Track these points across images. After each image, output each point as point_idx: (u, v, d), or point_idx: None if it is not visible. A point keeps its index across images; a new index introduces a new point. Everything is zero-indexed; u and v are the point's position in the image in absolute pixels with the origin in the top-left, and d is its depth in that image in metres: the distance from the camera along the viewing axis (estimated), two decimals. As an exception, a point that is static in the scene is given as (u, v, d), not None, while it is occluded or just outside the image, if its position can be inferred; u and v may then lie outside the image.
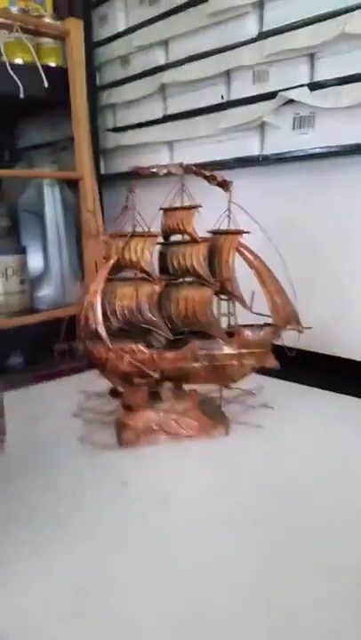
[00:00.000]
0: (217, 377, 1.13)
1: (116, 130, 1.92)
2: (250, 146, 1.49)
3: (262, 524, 0.79)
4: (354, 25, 1.17)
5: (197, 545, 0.75)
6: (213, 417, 1.12)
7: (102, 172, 2.00)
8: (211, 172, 1.14)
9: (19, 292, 1.73)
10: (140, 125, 1.81)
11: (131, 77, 1.81)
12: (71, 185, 1.85)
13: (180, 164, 1.14)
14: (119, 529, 0.80)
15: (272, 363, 1.14)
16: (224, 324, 1.14)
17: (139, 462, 1.01)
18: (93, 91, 1.93)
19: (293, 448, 1.04)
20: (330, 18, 1.23)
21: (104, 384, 1.15)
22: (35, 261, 1.86)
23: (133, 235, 1.11)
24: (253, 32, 1.42)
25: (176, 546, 0.75)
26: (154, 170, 1.13)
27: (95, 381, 1.19)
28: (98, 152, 1.95)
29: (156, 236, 1.12)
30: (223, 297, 1.16)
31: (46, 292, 1.86)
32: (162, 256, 1.16)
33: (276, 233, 1.12)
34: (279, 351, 1.15)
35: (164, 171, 1.13)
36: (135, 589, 0.67)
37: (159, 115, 1.74)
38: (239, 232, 1.13)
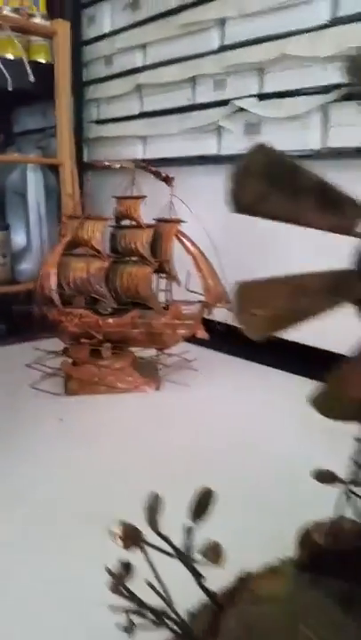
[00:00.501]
0: (153, 342, 1.33)
1: (99, 122, 2.11)
2: (209, 146, 1.67)
3: (173, 461, 0.98)
4: (292, 48, 1.35)
5: (113, 474, 0.94)
6: (147, 375, 1.32)
7: (85, 159, 2.18)
8: (156, 168, 1.33)
9: (1, 264, 1.92)
10: (119, 120, 2.00)
11: (112, 76, 1.99)
12: (54, 170, 2.04)
13: (132, 160, 1.33)
14: (46, 451, 1.00)
15: (202, 333, 1.33)
16: (162, 299, 1.34)
17: (78, 406, 1.21)
18: (80, 85, 2.12)
19: (212, 403, 1.23)
20: (275, 39, 1.41)
21: (60, 344, 1.35)
22: (18, 238, 2.05)
23: (87, 217, 1.30)
24: (216, 44, 1.60)
25: (91, 472, 0.95)
26: (108, 163, 1.32)
27: (53, 342, 1.39)
28: (82, 141, 2.15)
29: (106, 219, 1.31)
30: (162, 275, 1.35)
31: (27, 265, 2.05)
32: (112, 237, 1.35)
33: (226, 225, 1.30)
34: (210, 325, 1.34)
35: (118, 165, 1.33)
36: (35, 499, 0.87)
37: (135, 111, 1.92)
38: (178, 221, 1.32)
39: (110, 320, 1.29)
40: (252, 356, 1.47)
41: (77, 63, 2.08)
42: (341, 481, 0.55)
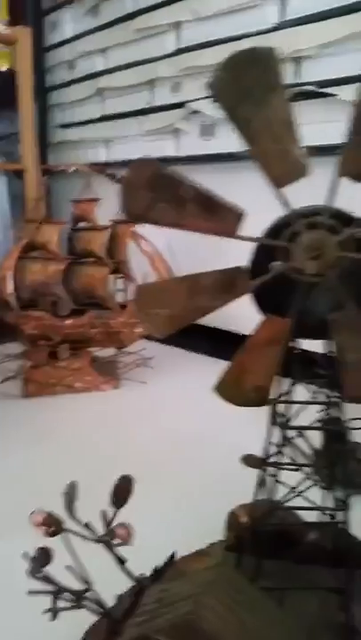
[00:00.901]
0: (111, 342, 1.35)
1: (63, 126, 2.13)
2: (168, 147, 1.70)
3: (127, 457, 1.00)
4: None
5: (67, 472, 0.95)
6: (106, 374, 1.34)
7: (50, 163, 2.20)
8: (111, 171, 1.35)
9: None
10: (82, 123, 2.02)
11: (74, 80, 2.01)
12: (19, 175, 2.05)
13: (87, 164, 1.35)
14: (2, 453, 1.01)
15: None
16: (119, 299, 1.36)
17: (37, 408, 1.23)
18: (44, 90, 2.13)
19: (169, 399, 1.26)
20: (227, 42, 1.44)
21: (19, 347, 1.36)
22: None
23: (44, 221, 1.32)
24: (172, 48, 1.63)
25: (45, 472, 0.96)
26: (63, 167, 1.34)
27: (13, 346, 1.40)
28: (46, 146, 2.16)
29: (63, 222, 1.33)
30: (118, 276, 1.37)
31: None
32: (69, 239, 1.37)
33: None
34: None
35: (73, 169, 1.35)
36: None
37: (97, 115, 1.94)
38: (133, 222, 1.34)
39: (68, 321, 1.31)
40: (210, 351, 1.49)
41: (40, 69, 2.09)
42: (267, 464, 0.58)
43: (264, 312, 0.49)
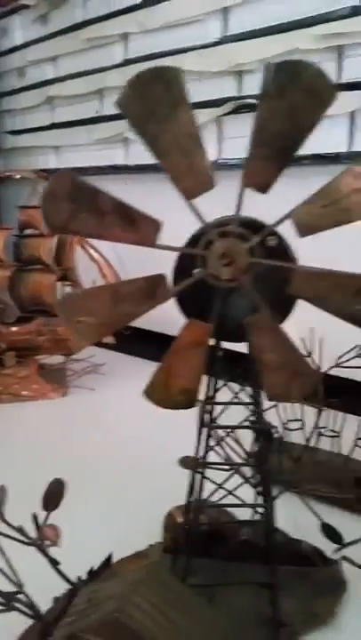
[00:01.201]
0: (59, 349, 1.35)
1: (14, 132, 2.11)
2: (117, 156, 1.71)
3: (70, 465, 1.00)
4: (188, 63, 1.41)
5: (13, 475, 0.95)
6: (53, 382, 1.34)
7: (0, 169, 2.18)
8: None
9: None
10: (32, 130, 2.01)
11: (25, 87, 2.00)
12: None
13: (33, 171, 1.35)
14: None
15: (108, 338, 1.36)
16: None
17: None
18: (-7, 96, 2.12)
19: (117, 406, 1.26)
20: (173, 54, 1.47)
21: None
22: None
23: (-10, 227, 1.31)
24: (120, 58, 1.64)
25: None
26: (8, 173, 1.34)
27: None
28: (-2, 152, 2.15)
29: (9, 228, 1.32)
30: (66, 283, 1.37)
31: None
32: (16, 246, 1.36)
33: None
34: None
35: (18, 175, 1.35)
36: None
37: (48, 122, 1.94)
38: (80, 229, 1.35)
39: (14, 328, 1.30)
40: (160, 357, 1.51)
41: (-11, 75, 2.08)
42: (200, 465, 0.60)
43: (188, 316, 0.51)
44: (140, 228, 0.47)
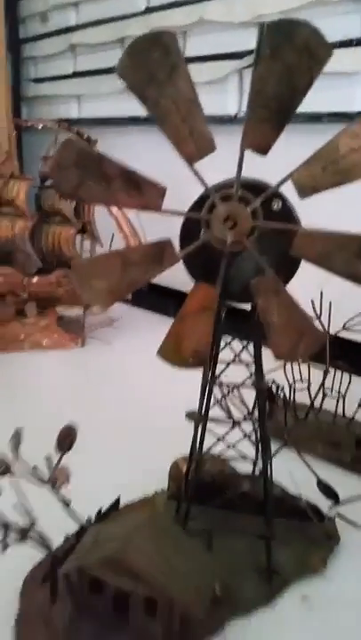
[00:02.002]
0: (77, 301, 1.38)
1: (37, 80, 2.09)
2: (139, 106, 1.69)
3: (90, 409, 1.04)
4: (209, 12, 1.38)
5: (31, 423, 0.99)
6: (72, 332, 1.38)
7: (24, 117, 2.17)
8: (78, 130, 1.35)
9: None
10: (55, 79, 1.99)
11: (48, 34, 1.97)
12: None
13: (55, 121, 1.35)
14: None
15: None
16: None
17: (4, 363, 1.26)
18: (17, 42, 2.09)
19: (132, 357, 1.29)
20: (194, 3, 1.43)
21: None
22: None
23: (12, 176, 1.33)
24: (142, 6, 1.60)
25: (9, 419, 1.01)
26: (31, 123, 1.34)
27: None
28: (20, 99, 2.13)
29: (30, 179, 1.34)
30: (85, 236, 1.39)
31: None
32: (37, 197, 1.38)
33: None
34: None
35: (41, 125, 1.35)
36: None
37: (70, 71, 1.92)
38: (100, 182, 1.35)
39: (35, 279, 1.33)
40: (173, 312, 1.53)
41: (13, 19, 2.04)
42: (204, 419, 0.63)
43: (196, 279, 0.53)
44: (145, 193, 0.49)
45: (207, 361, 0.57)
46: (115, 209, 1.36)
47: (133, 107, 1.66)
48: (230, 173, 0.51)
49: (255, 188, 0.51)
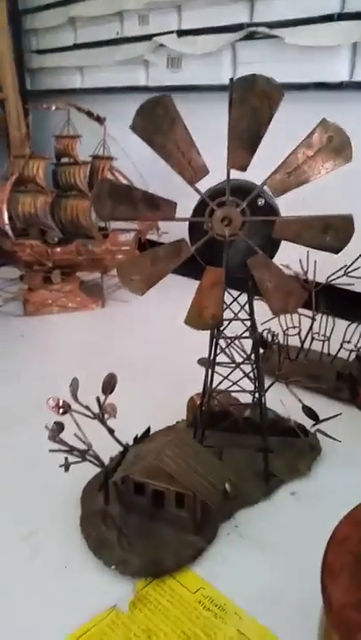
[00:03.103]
0: (96, 267, 1.55)
1: (39, 52, 2.19)
2: (138, 77, 1.81)
3: (115, 362, 1.24)
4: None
5: (65, 375, 1.19)
6: (93, 295, 1.56)
7: (28, 88, 2.28)
8: (88, 109, 1.49)
9: None
10: (58, 50, 2.09)
11: (47, 6, 2.06)
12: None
13: (67, 102, 1.48)
14: (10, 360, 1.25)
15: (137, 256, 1.56)
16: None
17: (37, 324, 1.45)
18: (17, 14, 2.17)
19: (147, 316, 1.48)
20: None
21: (16, 273, 1.57)
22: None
23: (31, 156, 1.48)
24: (137, -20, 1.70)
25: (46, 375, 1.20)
26: (46, 106, 1.48)
27: (10, 271, 1.61)
28: (23, 70, 2.24)
29: (47, 158, 1.49)
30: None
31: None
32: (54, 174, 1.53)
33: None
34: (144, 249, 1.56)
35: (54, 107, 1.48)
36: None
37: (70, 42, 2.02)
38: (110, 158, 1.50)
39: (57, 249, 1.50)
40: (189, 272, 1.70)
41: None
42: (212, 363, 0.81)
43: (205, 264, 0.70)
44: (162, 209, 0.66)
45: (222, 321, 0.74)
46: (125, 181, 1.52)
47: (133, 76, 1.81)
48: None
49: (242, 188, 0.67)
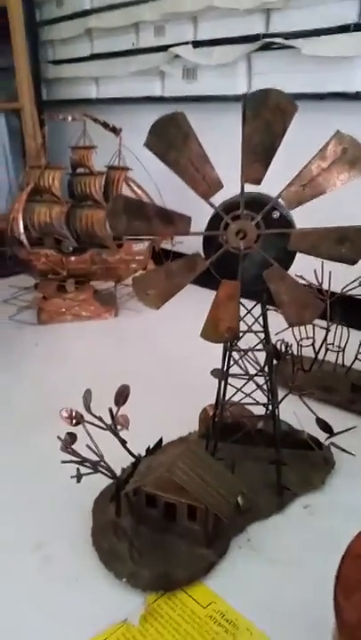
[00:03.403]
0: (109, 276, 1.56)
1: (55, 62, 2.22)
2: (155, 88, 1.82)
3: (127, 371, 1.24)
4: (216, 1, 1.49)
5: (77, 383, 1.19)
6: (106, 304, 1.56)
7: (44, 98, 2.31)
8: (104, 120, 1.50)
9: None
10: (74, 61, 2.11)
11: (64, 17, 2.08)
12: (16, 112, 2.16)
13: (83, 113, 1.50)
14: (24, 369, 1.25)
15: (151, 267, 1.56)
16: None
17: (50, 333, 1.46)
18: (34, 25, 2.20)
19: (160, 326, 1.47)
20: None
21: (31, 281, 1.58)
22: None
23: (47, 167, 1.49)
24: (154, -8, 1.71)
25: (60, 383, 1.21)
26: (62, 117, 1.49)
27: (25, 279, 1.62)
28: (40, 81, 2.27)
29: (63, 168, 1.50)
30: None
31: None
32: (70, 184, 1.54)
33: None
34: (158, 259, 1.57)
35: (70, 118, 1.50)
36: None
37: (87, 53, 2.04)
38: (125, 168, 1.51)
39: (72, 258, 1.51)
40: (202, 282, 1.70)
41: (29, 3, 2.15)
42: (225, 375, 0.81)
43: (220, 277, 0.70)
44: (176, 224, 0.66)
45: (238, 334, 0.74)
46: (140, 191, 1.52)
47: (148, 87, 1.82)
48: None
49: (256, 201, 0.67)
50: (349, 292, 1.07)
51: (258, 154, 0.63)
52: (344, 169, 0.63)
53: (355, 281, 1.05)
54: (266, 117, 0.61)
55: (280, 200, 0.66)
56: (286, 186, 0.65)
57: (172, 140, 0.63)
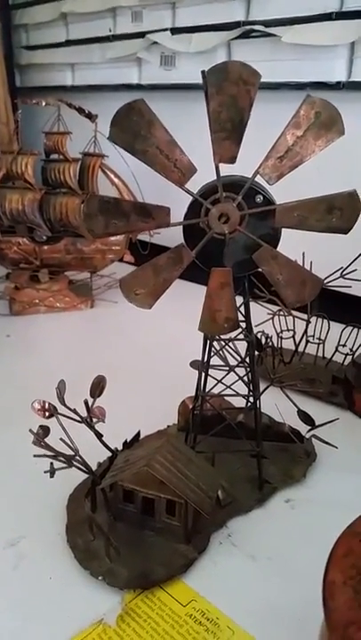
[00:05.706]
0: (85, 266, 1.52)
1: (29, 48, 2.15)
2: (132, 75, 1.78)
3: (101, 363, 1.20)
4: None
5: (52, 376, 1.15)
6: (82, 295, 1.52)
7: (18, 85, 2.24)
8: (79, 106, 1.46)
9: None
10: (48, 46, 2.05)
11: (38, 0, 2.02)
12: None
13: (58, 99, 1.45)
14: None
15: (128, 257, 1.53)
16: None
17: (23, 324, 1.41)
18: (7, 8, 2.13)
19: (137, 316, 1.44)
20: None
21: (3, 271, 1.53)
22: None
23: (20, 152, 1.44)
24: (132, -24, 1.67)
25: (33, 376, 1.16)
26: (35, 101, 1.45)
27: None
28: (13, 67, 2.20)
29: (37, 153, 1.45)
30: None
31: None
32: (44, 170, 1.50)
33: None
34: (135, 249, 1.53)
35: (44, 103, 1.45)
36: None
37: (62, 39, 1.98)
38: (101, 155, 1.47)
39: (45, 247, 1.47)
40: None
41: (2, -15, 2.09)
42: (205, 366, 0.78)
43: (208, 267, 0.67)
44: (155, 217, 0.63)
45: (238, 324, 0.70)
46: (116, 179, 1.49)
47: (125, 74, 1.77)
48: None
49: (235, 183, 0.65)
50: (330, 284, 1.05)
51: (228, 130, 0.60)
52: (320, 134, 0.61)
53: (335, 272, 1.03)
54: (230, 91, 0.58)
55: (259, 180, 0.64)
56: (263, 160, 0.62)
57: (135, 130, 0.60)
